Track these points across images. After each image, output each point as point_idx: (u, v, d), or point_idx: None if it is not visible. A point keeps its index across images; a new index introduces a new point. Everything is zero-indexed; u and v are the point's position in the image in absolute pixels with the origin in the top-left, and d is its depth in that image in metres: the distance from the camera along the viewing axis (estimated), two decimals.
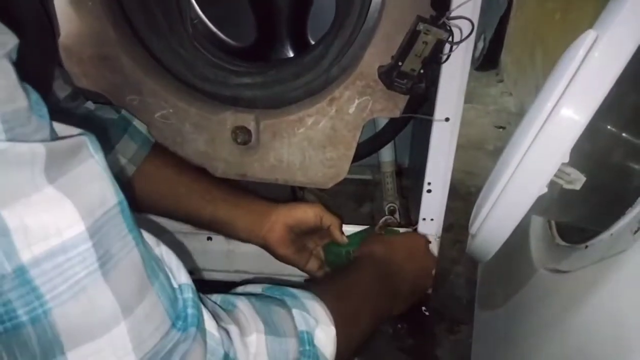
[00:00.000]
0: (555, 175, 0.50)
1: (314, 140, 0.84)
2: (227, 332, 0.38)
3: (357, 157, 0.88)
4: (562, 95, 0.50)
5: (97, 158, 0.29)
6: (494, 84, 2.12)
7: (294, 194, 1.04)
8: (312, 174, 0.87)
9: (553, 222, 0.72)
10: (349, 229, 0.87)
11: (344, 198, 1.25)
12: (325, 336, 0.46)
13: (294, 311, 0.46)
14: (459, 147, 0.83)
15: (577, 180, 0.50)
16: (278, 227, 0.74)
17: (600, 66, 0.49)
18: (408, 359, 0.93)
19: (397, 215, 1.09)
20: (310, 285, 0.64)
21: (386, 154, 1.11)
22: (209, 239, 0.94)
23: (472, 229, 0.59)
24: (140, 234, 0.33)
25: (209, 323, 0.37)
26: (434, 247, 0.94)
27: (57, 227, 0.26)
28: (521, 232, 0.75)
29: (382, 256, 0.73)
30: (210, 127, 0.86)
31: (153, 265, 0.33)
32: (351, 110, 0.81)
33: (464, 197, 1.33)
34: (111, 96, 0.84)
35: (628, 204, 0.53)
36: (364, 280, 0.66)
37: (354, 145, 0.84)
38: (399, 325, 1.00)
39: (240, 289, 0.49)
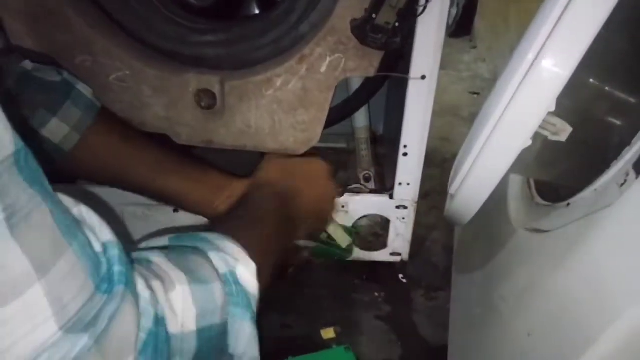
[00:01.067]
0: (541, 127, 0.47)
1: (284, 102, 0.79)
2: (152, 289, 0.36)
3: (330, 122, 0.84)
4: (547, 40, 0.47)
5: None
6: (467, 51, 2.09)
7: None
8: (283, 139, 0.82)
9: (532, 182, 0.70)
10: None
11: None
12: (248, 272, 0.44)
13: (211, 254, 0.44)
14: (434, 114, 0.80)
15: (563, 131, 0.48)
16: (230, 204, 0.68)
17: (587, 5, 0.45)
18: (386, 326, 0.91)
19: (372, 183, 1.06)
20: (214, 225, 0.59)
21: (360, 119, 1.06)
22: (175, 211, 0.89)
23: (452, 189, 0.56)
24: (49, 189, 0.29)
25: (138, 282, 0.34)
26: (411, 213, 0.92)
27: None
28: (499, 193, 0.73)
29: (280, 181, 0.69)
30: (171, 90, 0.79)
31: (69, 225, 0.30)
32: (323, 69, 0.76)
33: (439, 164, 1.31)
34: (59, 57, 0.76)
35: (612, 158, 0.51)
36: (266, 208, 0.63)
37: (327, 107, 0.79)
38: (376, 294, 0.98)
39: (144, 245, 0.45)
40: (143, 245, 0.45)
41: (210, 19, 0.82)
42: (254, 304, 0.45)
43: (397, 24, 0.67)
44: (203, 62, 0.79)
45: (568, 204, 0.57)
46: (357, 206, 0.91)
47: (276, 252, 0.56)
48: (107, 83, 0.79)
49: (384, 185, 1.07)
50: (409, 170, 0.86)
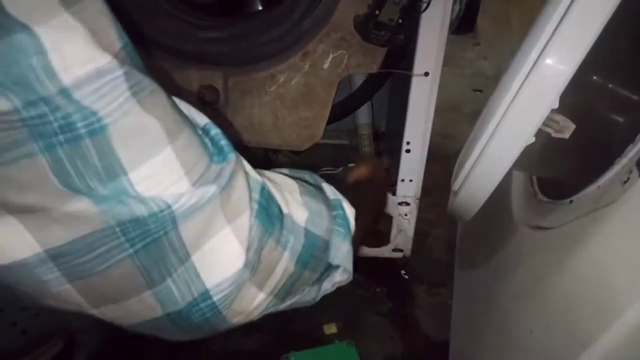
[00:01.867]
0: (544, 124, 0.47)
1: (287, 98, 0.79)
2: (263, 179, 0.40)
3: (333, 118, 0.84)
4: (550, 38, 0.47)
5: None
6: (470, 48, 2.09)
7: (266, 158, 0.99)
8: (286, 135, 0.83)
9: (535, 179, 0.70)
10: None
11: (321, 162, 1.21)
12: (350, 210, 0.48)
13: (324, 184, 0.49)
14: (436, 110, 0.80)
15: (567, 128, 0.48)
16: None
17: (590, 4, 0.45)
18: (388, 322, 0.91)
19: None
20: None
21: (363, 115, 1.07)
22: None
23: (455, 186, 0.56)
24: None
25: (245, 163, 0.38)
26: (413, 209, 0.92)
27: (88, 53, 0.27)
28: (502, 190, 0.73)
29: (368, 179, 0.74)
30: (174, 86, 0.80)
31: (179, 110, 0.34)
32: (326, 65, 0.76)
33: (442, 161, 1.31)
34: None
35: (615, 156, 0.51)
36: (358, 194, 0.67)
37: (330, 103, 0.80)
38: (378, 289, 0.98)
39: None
40: None
41: (214, 16, 0.82)
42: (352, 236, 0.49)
43: (400, 21, 0.67)
44: (206, 58, 0.80)
45: (571, 201, 0.57)
46: None
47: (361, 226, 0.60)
48: None
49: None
50: (412, 166, 0.86)
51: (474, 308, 0.79)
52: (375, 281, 1.00)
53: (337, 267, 0.48)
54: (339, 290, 0.97)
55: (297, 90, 0.78)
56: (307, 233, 0.43)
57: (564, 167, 0.63)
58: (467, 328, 0.81)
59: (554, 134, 0.49)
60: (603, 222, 0.48)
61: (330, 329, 0.89)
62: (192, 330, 0.38)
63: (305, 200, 0.44)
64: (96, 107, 0.28)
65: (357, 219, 0.49)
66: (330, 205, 0.47)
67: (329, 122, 0.83)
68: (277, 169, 0.47)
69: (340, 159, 1.25)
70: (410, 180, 0.88)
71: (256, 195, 0.38)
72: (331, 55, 0.75)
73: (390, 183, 0.78)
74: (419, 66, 0.75)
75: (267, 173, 0.43)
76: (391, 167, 1.06)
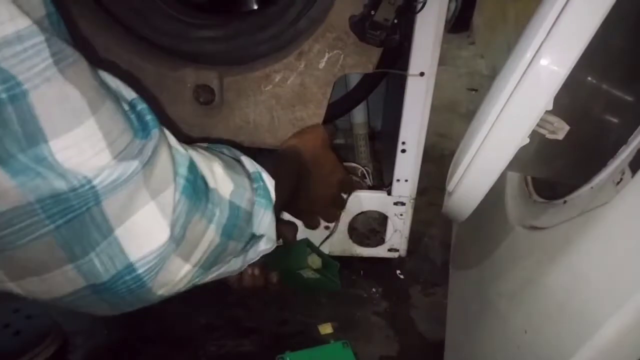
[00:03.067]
0: (538, 125, 0.47)
1: (282, 98, 0.79)
2: (189, 153, 0.41)
3: (328, 118, 0.84)
4: (544, 40, 0.47)
5: None
6: (465, 46, 2.09)
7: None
8: (282, 135, 0.82)
9: (529, 179, 0.70)
10: None
11: None
12: (269, 182, 0.50)
13: (242, 158, 0.51)
14: (431, 110, 0.80)
15: (561, 129, 0.48)
16: None
17: (585, 4, 0.45)
18: (383, 322, 0.92)
19: (370, 179, 1.06)
20: None
21: (359, 115, 1.07)
22: None
23: (450, 186, 0.56)
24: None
25: (170, 137, 0.39)
26: (408, 209, 0.93)
27: (6, 15, 0.26)
28: (497, 190, 0.73)
29: (287, 152, 0.74)
30: (169, 86, 0.79)
31: (101, 82, 0.33)
32: (321, 65, 0.76)
33: (437, 160, 1.31)
34: None
35: (608, 156, 0.52)
36: (282, 166, 0.67)
37: (325, 103, 0.79)
38: (374, 289, 0.98)
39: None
40: None
41: (209, 14, 0.82)
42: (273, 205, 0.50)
43: (396, 21, 0.67)
44: (201, 57, 0.79)
45: (565, 202, 0.57)
46: (355, 202, 0.91)
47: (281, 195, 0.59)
48: None
49: (382, 181, 1.08)
50: (407, 166, 0.86)
51: (469, 307, 0.80)
52: (371, 281, 1.00)
53: (261, 236, 0.50)
54: (334, 291, 0.98)
55: (293, 89, 0.78)
56: (232, 205, 0.44)
57: (558, 168, 0.63)
58: (462, 327, 0.82)
59: (548, 135, 0.50)
60: (596, 223, 0.49)
61: (326, 329, 0.89)
62: (119, 302, 0.38)
63: (228, 172, 0.45)
64: (15, 71, 0.27)
65: (276, 189, 0.50)
66: (250, 177, 0.48)
67: (324, 122, 0.83)
68: (197, 144, 0.48)
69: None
70: (406, 180, 0.88)
71: (183, 170, 0.38)
72: (327, 55, 0.75)
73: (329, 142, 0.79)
74: (414, 66, 0.75)
75: (191, 148, 0.44)
76: (386, 167, 1.06)
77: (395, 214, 0.93)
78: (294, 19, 0.74)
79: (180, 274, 0.40)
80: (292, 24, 0.75)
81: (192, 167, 0.40)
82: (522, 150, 0.49)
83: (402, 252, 0.98)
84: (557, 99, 0.47)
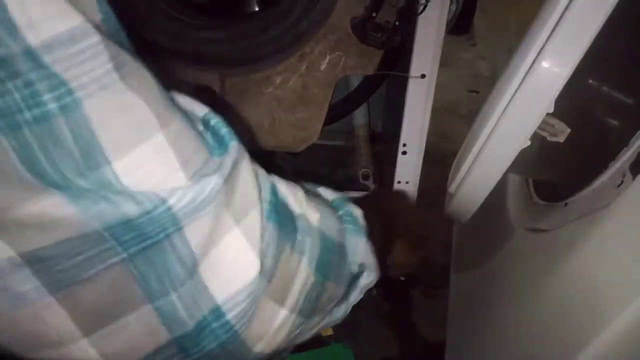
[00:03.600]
0: (539, 128, 0.47)
1: (284, 100, 0.80)
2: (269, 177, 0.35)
3: (330, 119, 0.84)
4: (546, 43, 0.47)
5: None
6: (466, 48, 2.09)
7: (262, 159, 0.99)
8: (282, 137, 0.83)
9: (531, 181, 0.70)
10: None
11: (317, 164, 1.21)
12: (356, 209, 0.43)
13: (319, 189, 0.44)
14: (432, 111, 0.81)
15: (562, 132, 0.48)
16: None
17: (586, 7, 0.45)
18: (384, 324, 0.92)
19: (370, 181, 1.06)
20: None
21: (360, 116, 1.07)
22: None
23: (451, 188, 0.56)
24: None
25: (249, 159, 0.33)
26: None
27: (57, 11, 0.22)
28: (498, 192, 0.73)
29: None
30: (170, 87, 0.79)
31: (170, 97, 0.28)
32: (323, 66, 0.76)
33: (438, 162, 1.31)
34: None
35: (609, 159, 0.52)
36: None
37: (326, 104, 0.80)
38: (375, 291, 0.98)
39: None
40: None
41: (211, 16, 0.82)
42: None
43: (397, 23, 0.68)
44: (203, 59, 0.79)
45: (566, 204, 0.57)
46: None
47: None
48: None
49: (383, 183, 1.08)
50: (408, 168, 0.87)
51: (470, 309, 0.80)
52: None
53: (360, 273, 0.43)
54: None
55: (294, 91, 0.79)
56: (322, 235, 0.38)
57: (559, 170, 0.63)
58: (463, 329, 0.82)
59: (549, 138, 0.50)
60: (597, 225, 0.49)
61: (327, 330, 0.89)
62: None
63: (312, 199, 0.38)
64: (68, 76, 0.23)
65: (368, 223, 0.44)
66: (332, 206, 0.42)
67: (325, 124, 0.83)
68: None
69: (337, 160, 1.25)
70: (407, 182, 0.88)
71: (266, 194, 0.33)
72: (328, 57, 0.75)
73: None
74: (415, 68, 0.75)
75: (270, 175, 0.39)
76: (387, 168, 1.06)
77: None
78: (295, 21, 0.75)
79: (276, 322, 0.34)
80: (294, 26, 0.75)
81: (275, 189, 0.34)
82: (524, 152, 0.49)
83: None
84: (558, 102, 0.47)
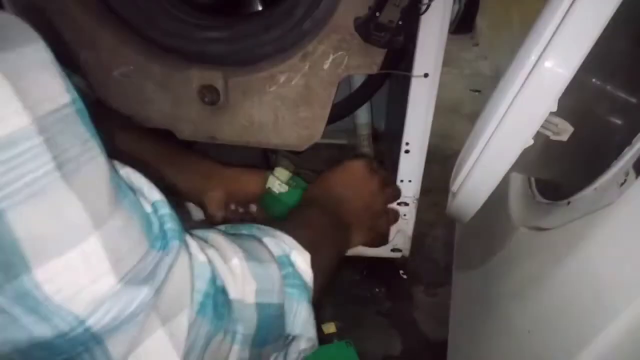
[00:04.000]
0: (542, 127, 0.48)
1: (287, 99, 0.80)
2: (208, 257, 0.35)
3: (332, 118, 0.84)
4: (549, 43, 0.47)
5: (42, 44, 0.25)
6: (469, 48, 2.09)
7: (266, 158, 0.99)
8: (286, 136, 0.83)
9: (533, 180, 0.70)
10: None
11: (319, 163, 1.21)
12: (303, 259, 0.43)
13: (265, 239, 0.43)
14: (435, 111, 0.81)
15: (565, 130, 0.48)
16: (219, 190, 0.71)
17: (590, 6, 0.46)
18: (386, 322, 0.92)
19: None
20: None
21: (362, 115, 1.07)
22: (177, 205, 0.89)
23: (454, 187, 0.56)
24: (103, 145, 0.28)
25: (191, 243, 0.34)
26: (412, 210, 0.93)
27: (4, 111, 0.22)
28: (500, 191, 0.73)
29: (322, 194, 0.66)
30: (174, 86, 0.80)
31: (119, 183, 0.29)
32: (326, 66, 0.76)
33: (440, 161, 1.31)
34: (64, 52, 0.77)
35: (612, 158, 0.52)
36: (314, 217, 0.60)
37: (329, 104, 0.80)
38: (377, 289, 0.99)
39: (199, 232, 0.44)
40: (198, 232, 0.44)
41: (214, 16, 0.83)
42: (310, 290, 0.43)
43: (400, 22, 0.68)
44: (207, 58, 0.80)
45: (568, 203, 0.57)
46: None
47: (331, 257, 0.53)
48: (112, 78, 0.79)
49: None
50: (411, 167, 0.87)
51: (472, 308, 0.80)
52: (374, 281, 1.00)
53: (300, 336, 0.43)
54: (337, 290, 0.99)
55: (297, 90, 0.79)
56: (259, 307, 0.37)
57: (561, 169, 0.63)
58: (465, 328, 0.82)
59: (552, 137, 0.50)
60: (600, 224, 0.49)
61: (329, 328, 0.89)
62: None
63: (251, 265, 0.38)
64: None
65: (313, 260, 0.43)
66: (276, 262, 0.41)
67: (328, 123, 0.83)
68: (214, 228, 0.42)
69: (339, 159, 1.25)
70: (410, 181, 0.88)
71: (203, 285, 0.33)
72: (331, 56, 0.75)
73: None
74: (418, 67, 0.75)
75: (211, 237, 0.38)
76: (389, 167, 1.06)
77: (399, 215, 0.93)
78: (298, 20, 0.75)
79: None
80: (297, 26, 0.76)
81: (213, 278, 0.34)
82: (526, 151, 0.49)
83: (406, 252, 0.99)
84: (561, 101, 0.47)
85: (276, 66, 0.78)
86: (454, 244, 1.03)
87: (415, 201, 0.92)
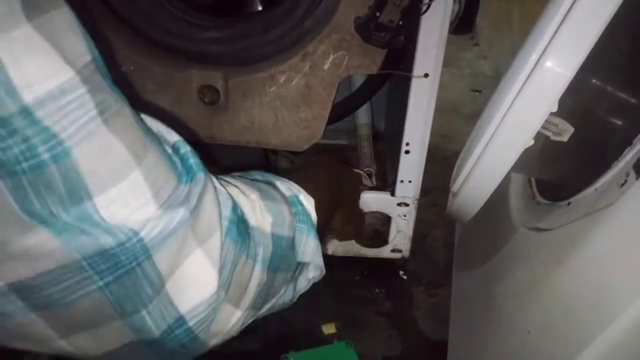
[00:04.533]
0: (543, 127, 0.48)
1: (287, 99, 0.80)
2: (229, 192, 0.39)
3: (332, 119, 0.84)
4: (549, 43, 0.47)
5: (67, 8, 0.28)
6: (469, 48, 2.09)
7: (266, 158, 0.99)
8: (286, 136, 0.83)
9: (533, 181, 0.70)
10: None
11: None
12: (308, 202, 0.48)
13: (277, 182, 0.48)
14: (435, 111, 0.81)
15: (566, 131, 0.48)
16: None
17: (591, 7, 0.46)
18: (386, 322, 0.92)
19: (373, 180, 1.06)
20: None
21: (362, 115, 1.07)
22: None
23: (454, 187, 0.56)
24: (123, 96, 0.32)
25: (214, 179, 0.38)
26: (412, 210, 0.93)
27: (50, 68, 0.25)
28: (501, 191, 0.73)
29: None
30: (174, 86, 0.80)
31: (145, 128, 0.33)
32: (326, 66, 0.76)
33: (440, 161, 1.32)
34: None
35: (613, 158, 0.52)
36: (314, 175, 0.66)
37: (330, 104, 0.80)
38: (377, 290, 0.98)
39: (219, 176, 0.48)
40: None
41: (214, 16, 0.82)
42: (315, 227, 0.48)
43: (401, 23, 0.68)
44: (207, 58, 0.80)
45: (569, 203, 0.57)
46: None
47: (324, 210, 0.56)
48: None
49: (385, 182, 1.08)
50: (411, 167, 0.87)
51: (472, 308, 0.80)
52: (374, 282, 1.00)
53: (308, 264, 0.48)
54: (337, 291, 0.99)
55: (298, 90, 0.79)
56: (274, 237, 0.42)
57: (562, 170, 0.63)
58: (465, 328, 0.82)
59: (553, 137, 0.50)
60: (600, 224, 0.49)
61: (329, 329, 0.89)
62: (169, 355, 0.35)
63: (266, 203, 0.43)
64: (58, 129, 0.25)
65: (317, 205, 0.48)
66: (287, 202, 0.46)
67: (328, 123, 0.83)
68: (230, 175, 0.46)
69: (339, 159, 1.25)
70: (410, 181, 0.88)
71: (227, 212, 0.37)
72: (331, 56, 0.75)
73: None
74: (418, 67, 0.75)
75: (232, 181, 0.43)
76: (389, 167, 1.06)
77: (399, 215, 0.93)
78: (299, 20, 0.75)
79: (232, 321, 0.38)
80: (297, 26, 0.75)
81: (235, 207, 0.38)
82: (527, 151, 0.49)
83: (406, 252, 0.99)
84: (562, 101, 0.47)
85: (276, 66, 0.78)
86: (454, 245, 1.03)
87: (415, 201, 0.92)
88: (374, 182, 1.05)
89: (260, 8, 0.94)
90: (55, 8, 0.27)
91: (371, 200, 0.92)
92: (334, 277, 1.01)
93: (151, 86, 0.80)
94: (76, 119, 0.26)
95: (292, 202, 0.47)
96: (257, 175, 0.50)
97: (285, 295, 0.47)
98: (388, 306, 0.95)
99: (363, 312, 0.93)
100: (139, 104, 0.34)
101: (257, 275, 0.40)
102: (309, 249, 0.46)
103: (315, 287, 1.01)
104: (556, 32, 0.47)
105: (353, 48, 0.75)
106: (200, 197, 0.34)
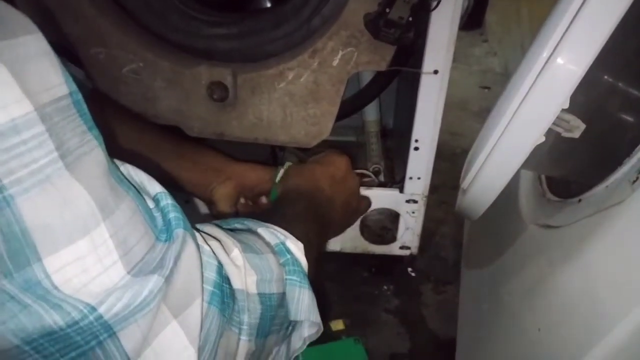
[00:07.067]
0: (554, 124, 0.47)
1: (296, 95, 0.80)
2: (212, 248, 0.35)
3: (341, 115, 0.84)
4: (561, 39, 0.47)
5: (40, 35, 0.24)
6: (478, 44, 2.08)
7: (274, 155, 0.99)
8: (294, 132, 0.83)
9: (543, 178, 0.70)
10: None
11: None
12: (296, 248, 0.43)
13: (260, 229, 0.43)
14: (444, 107, 0.80)
15: (577, 127, 0.48)
16: (229, 185, 0.70)
17: (603, 3, 0.45)
18: (395, 319, 0.92)
19: (381, 177, 1.06)
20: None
21: (371, 112, 1.07)
22: (186, 202, 0.89)
23: (464, 184, 0.56)
24: (102, 139, 0.28)
25: (196, 235, 0.33)
26: (421, 207, 0.93)
27: (7, 98, 0.22)
28: (510, 189, 0.73)
29: (308, 189, 0.65)
30: (184, 83, 0.80)
31: (121, 177, 0.29)
32: (335, 62, 0.76)
33: (449, 158, 1.31)
34: (72, 49, 0.77)
35: (624, 155, 0.51)
36: (298, 211, 0.59)
37: (338, 100, 0.80)
38: (385, 287, 0.99)
39: (197, 225, 0.43)
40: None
41: (223, 12, 0.83)
42: (307, 277, 0.43)
43: (410, 19, 0.67)
44: (215, 54, 0.80)
45: (579, 200, 0.57)
46: None
47: (317, 249, 0.53)
48: (121, 75, 0.79)
49: (393, 178, 1.08)
50: (420, 164, 0.86)
51: (480, 306, 0.80)
52: (382, 278, 1.00)
53: (302, 322, 0.43)
54: (346, 287, 0.99)
55: (306, 87, 0.79)
56: (262, 298, 0.38)
57: (573, 167, 0.63)
58: (473, 326, 0.82)
59: (564, 134, 0.50)
60: (611, 221, 0.49)
61: (338, 325, 0.89)
62: None
63: (249, 257, 0.38)
64: (1, 171, 0.21)
65: (307, 251, 0.44)
66: (274, 251, 0.41)
67: (337, 119, 0.83)
68: (208, 223, 0.41)
69: (348, 156, 1.25)
70: (419, 178, 0.88)
71: (211, 275, 0.33)
72: (340, 53, 0.75)
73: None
74: (428, 64, 0.75)
75: (210, 231, 0.38)
76: (397, 164, 1.06)
77: (407, 212, 0.93)
78: (307, 16, 0.75)
79: None
80: (306, 22, 0.75)
81: (220, 268, 0.34)
82: (538, 148, 0.49)
83: (414, 250, 0.99)
84: (573, 98, 0.47)
85: (285, 63, 0.78)
86: (462, 242, 1.03)
87: (424, 198, 0.92)
88: (382, 179, 1.05)
89: (269, 4, 0.94)
90: (27, 33, 0.23)
91: (380, 197, 0.92)
92: (343, 273, 1.01)
93: (160, 83, 0.80)
94: (31, 161, 0.22)
95: (280, 251, 0.42)
96: (236, 223, 0.45)
97: (278, 357, 0.42)
98: (396, 303, 0.95)
99: (371, 309, 0.94)
100: (118, 152, 0.30)
101: (244, 346, 0.35)
102: (303, 306, 0.41)
103: (323, 284, 1.01)
104: (568, 28, 0.47)
105: (362, 44, 0.75)
106: (178, 258, 0.29)
